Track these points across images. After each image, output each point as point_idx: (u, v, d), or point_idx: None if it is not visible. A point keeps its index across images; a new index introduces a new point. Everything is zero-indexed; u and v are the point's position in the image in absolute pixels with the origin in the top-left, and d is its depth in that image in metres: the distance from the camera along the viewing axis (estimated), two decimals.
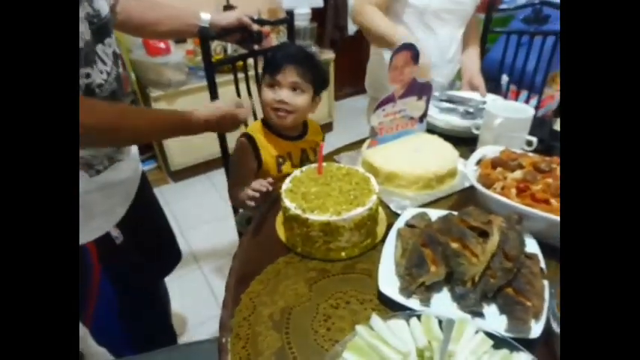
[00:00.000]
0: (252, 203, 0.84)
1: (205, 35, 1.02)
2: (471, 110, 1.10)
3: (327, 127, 2.91)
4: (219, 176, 2.35)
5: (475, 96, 1.21)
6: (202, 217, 2.09)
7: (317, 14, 2.60)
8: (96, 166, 0.72)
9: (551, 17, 1.42)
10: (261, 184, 0.82)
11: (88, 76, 0.64)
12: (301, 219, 0.66)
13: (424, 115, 1.00)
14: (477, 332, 0.49)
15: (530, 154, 0.81)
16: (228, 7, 2.28)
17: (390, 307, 0.58)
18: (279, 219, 0.76)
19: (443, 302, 0.58)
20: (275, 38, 2.29)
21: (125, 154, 0.81)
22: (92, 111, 0.59)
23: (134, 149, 0.90)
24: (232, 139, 1.14)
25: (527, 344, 0.48)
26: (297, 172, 0.77)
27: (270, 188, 0.82)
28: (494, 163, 0.78)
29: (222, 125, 0.86)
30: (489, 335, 0.49)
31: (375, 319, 0.50)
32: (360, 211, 0.66)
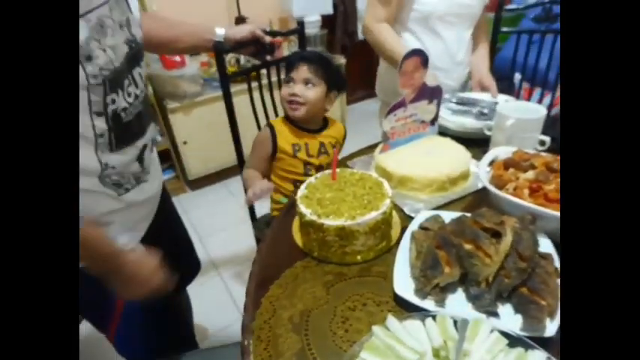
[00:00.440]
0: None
1: (220, 49, 1.06)
2: (485, 111, 1.10)
3: None
4: (236, 183, 2.40)
5: (486, 97, 1.21)
6: (220, 224, 2.13)
7: (327, 21, 2.64)
8: (124, 185, 0.74)
9: None
10: (261, 190, 0.91)
11: (113, 101, 0.65)
12: (317, 224, 0.68)
13: (435, 118, 1.01)
14: (491, 331, 0.50)
15: (543, 154, 0.81)
16: (240, 18, 2.34)
17: (405, 309, 0.59)
18: (296, 225, 0.79)
19: (458, 303, 0.59)
20: (287, 47, 2.33)
21: (150, 174, 0.82)
22: None
23: (158, 166, 0.91)
24: (248, 145, 1.17)
25: (542, 343, 0.49)
26: (311, 179, 0.79)
27: (269, 195, 0.96)
28: (507, 164, 0.79)
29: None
30: (504, 334, 0.50)
31: (391, 320, 0.52)
32: (374, 215, 0.67)
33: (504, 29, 1.49)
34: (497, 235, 0.61)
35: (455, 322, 0.52)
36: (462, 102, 1.17)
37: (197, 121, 2.20)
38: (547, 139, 0.90)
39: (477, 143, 1.00)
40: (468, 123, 1.08)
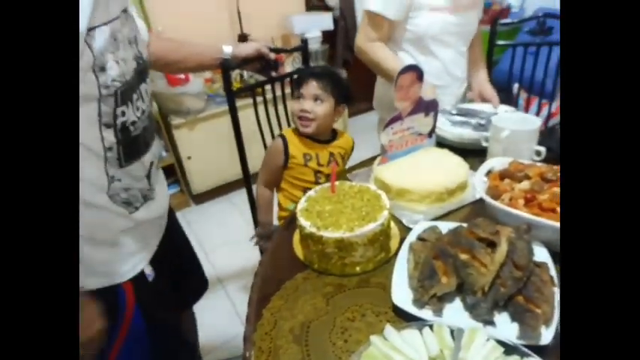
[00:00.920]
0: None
1: (227, 66, 1.10)
2: (483, 122, 1.12)
3: None
4: (240, 197, 2.42)
5: (486, 107, 1.22)
6: (224, 238, 2.15)
7: (328, 36, 2.70)
8: (134, 203, 0.74)
9: (554, 28, 1.45)
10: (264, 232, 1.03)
11: (123, 114, 0.67)
12: (316, 236, 0.69)
13: (432, 130, 1.03)
14: (488, 340, 0.51)
15: (539, 164, 0.82)
16: (242, 36, 2.40)
17: (404, 319, 0.60)
18: (296, 237, 0.80)
19: (455, 312, 0.60)
20: (290, 63, 2.38)
21: (156, 192, 0.82)
22: None
23: (164, 183, 0.90)
24: (252, 158, 1.20)
25: (538, 351, 0.49)
26: (311, 192, 0.81)
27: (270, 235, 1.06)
28: (503, 175, 0.80)
29: None
30: (501, 343, 0.50)
31: (389, 330, 0.53)
32: (373, 227, 0.69)
33: (501, 42, 1.52)
34: (492, 244, 0.62)
35: (452, 332, 0.53)
36: (462, 113, 1.19)
37: (201, 136, 2.24)
38: (542, 149, 0.91)
39: (475, 154, 1.02)
40: (465, 134, 1.09)
